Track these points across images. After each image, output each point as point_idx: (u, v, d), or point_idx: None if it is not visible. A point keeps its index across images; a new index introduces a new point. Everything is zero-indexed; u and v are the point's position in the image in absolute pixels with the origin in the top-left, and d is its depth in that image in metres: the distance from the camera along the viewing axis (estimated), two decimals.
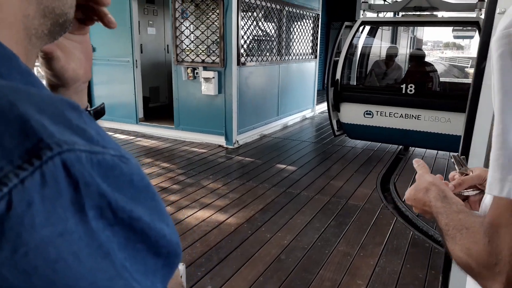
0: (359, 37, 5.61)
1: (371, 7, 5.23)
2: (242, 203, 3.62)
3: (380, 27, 6.65)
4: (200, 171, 4.47)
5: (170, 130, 5.92)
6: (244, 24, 5.45)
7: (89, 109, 0.55)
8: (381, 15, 5.41)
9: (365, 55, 6.07)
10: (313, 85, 8.03)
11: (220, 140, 5.59)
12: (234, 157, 5.10)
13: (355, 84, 5.79)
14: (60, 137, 0.23)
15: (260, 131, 6.25)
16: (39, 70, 0.51)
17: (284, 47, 6.71)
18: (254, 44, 5.91)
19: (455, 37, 14.51)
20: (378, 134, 5.10)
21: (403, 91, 4.79)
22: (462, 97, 4.24)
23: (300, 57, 7.31)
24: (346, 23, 5.30)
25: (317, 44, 7.86)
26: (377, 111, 5.00)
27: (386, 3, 9.62)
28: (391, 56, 5.67)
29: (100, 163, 0.24)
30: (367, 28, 5.60)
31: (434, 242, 2.97)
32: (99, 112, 0.56)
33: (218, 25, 5.24)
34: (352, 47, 5.26)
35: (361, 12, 5.20)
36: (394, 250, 2.84)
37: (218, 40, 5.28)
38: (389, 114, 4.95)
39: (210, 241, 2.92)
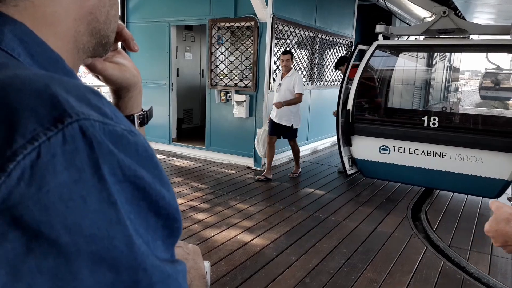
0: (382, 64, 5.32)
1: (390, 30, 4.73)
2: (268, 224, 3.64)
3: (404, 53, 6.09)
4: (228, 191, 4.53)
5: (201, 150, 6.07)
6: (278, 51, 5.60)
7: (140, 112, 0.63)
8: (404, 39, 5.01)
9: (384, 82, 5.58)
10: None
11: (249, 162, 5.66)
12: (262, 179, 5.14)
13: (370, 115, 5.17)
14: (79, 109, 0.29)
15: (289, 154, 6.26)
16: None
17: (316, 73, 6.81)
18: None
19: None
20: (396, 173, 4.49)
21: (425, 124, 4.21)
22: (496, 133, 3.99)
23: (332, 83, 7.37)
24: (360, 47, 4.82)
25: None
26: (394, 147, 4.43)
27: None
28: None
29: (111, 132, 0.30)
30: (388, 54, 5.24)
31: (465, 274, 2.85)
32: (147, 115, 0.64)
33: (252, 51, 5.42)
34: (366, 73, 4.70)
35: (379, 36, 4.66)
36: (423, 279, 2.75)
37: (251, 65, 5.44)
38: (409, 151, 4.35)
39: (235, 260, 2.94)
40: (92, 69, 0.53)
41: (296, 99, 4.83)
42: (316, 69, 6.79)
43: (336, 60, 6.24)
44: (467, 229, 3.65)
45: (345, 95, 4.64)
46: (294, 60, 5.10)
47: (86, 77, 6.48)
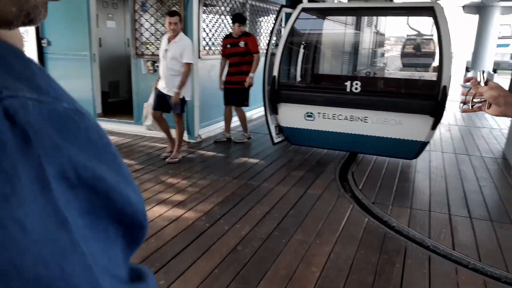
0: (308, 28, 5.24)
1: None
2: (201, 196, 3.58)
3: (330, 17, 6.09)
4: (159, 166, 4.38)
5: (130, 125, 5.77)
6: (206, 17, 5.38)
7: None
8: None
9: (311, 47, 5.55)
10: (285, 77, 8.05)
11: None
12: (196, 151, 5.04)
13: (298, 81, 5.08)
14: (5, 85, 0.20)
15: (222, 125, 6.20)
16: None
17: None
18: (217, 38, 5.84)
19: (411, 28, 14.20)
20: (321, 140, 4.50)
21: (348, 89, 4.17)
22: (413, 95, 4.12)
23: (265, 51, 7.30)
24: (285, 10, 4.65)
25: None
26: (319, 113, 4.40)
27: None
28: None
29: (51, 113, 0.22)
30: (316, 18, 5.17)
31: (387, 228, 3.05)
32: None
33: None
34: (291, 38, 4.54)
35: None
36: (349, 237, 2.89)
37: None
38: (332, 116, 4.35)
39: (166, 235, 2.86)
40: None
41: (185, 74, 4.24)
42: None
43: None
44: (389, 187, 3.90)
45: (271, 62, 4.53)
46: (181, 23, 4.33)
47: None
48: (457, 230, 3.04)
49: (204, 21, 5.35)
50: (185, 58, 4.22)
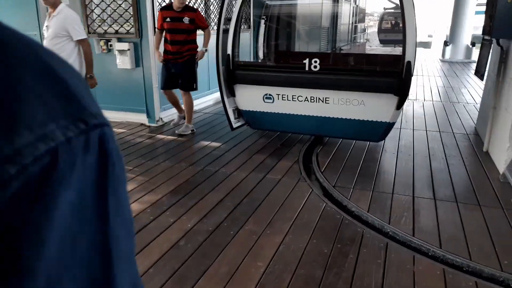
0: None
1: None
2: (151, 185, 3.31)
3: None
4: None
5: None
6: None
7: None
8: None
9: (269, 21, 5.13)
10: (249, 57, 7.69)
11: (142, 118, 5.18)
12: (155, 136, 4.74)
13: (255, 60, 4.63)
14: (96, 109, 0.23)
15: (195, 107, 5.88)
16: None
17: (212, 14, 6.29)
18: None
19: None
20: (282, 123, 4.14)
21: (307, 68, 3.78)
22: (376, 73, 3.74)
23: (242, 28, 6.91)
24: None
25: (250, 14, 7.49)
26: (278, 94, 4.00)
27: None
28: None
29: (115, 143, 0.24)
30: None
31: (346, 213, 2.84)
32: None
33: None
34: (246, 10, 4.26)
35: None
36: (303, 225, 2.68)
37: (130, 7, 4.78)
38: (292, 98, 3.95)
39: None
40: None
41: (86, 53, 3.61)
42: (211, 10, 6.27)
43: None
44: (353, 168, 3.69)
45: (224, 39, 4.02)
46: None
47: None
48: (419, 213, 2.85)
49: None
50: (74, 35, 3.49)
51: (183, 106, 4.86)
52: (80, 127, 0.20)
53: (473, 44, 11.66)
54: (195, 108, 5.28)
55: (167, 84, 4.63)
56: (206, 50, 4.55)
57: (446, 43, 12.13)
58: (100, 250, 0.21)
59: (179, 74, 4.55)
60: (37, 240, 0.18)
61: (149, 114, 5.15)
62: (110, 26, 4.99)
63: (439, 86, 7.86)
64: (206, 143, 4.47)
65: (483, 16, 4.54)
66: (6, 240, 0.17)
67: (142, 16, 4.78)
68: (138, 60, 4.98)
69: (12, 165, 0.17)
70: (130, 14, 4.78)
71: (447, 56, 12.11)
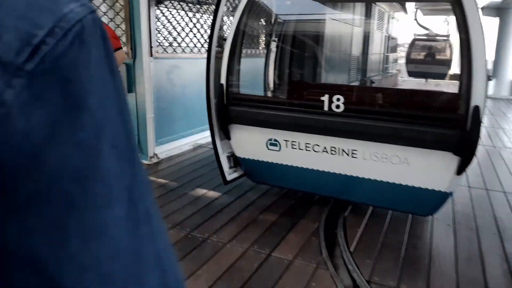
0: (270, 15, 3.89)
1: None
2: None
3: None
4: None
5: None
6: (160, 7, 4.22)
7: None
8: None
9: (274, 44, 4.14)
10: (259, 90, 6.77)
11: None
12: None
13: (256, 92, 3.57)
14: None
15: (193, 140, 5.02)
16: None
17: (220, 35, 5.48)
18: (180, 32, 4.68)
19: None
20: (290, 178, 3.07)
21: (326, 107, 2.67)
22: (427, 119, 2.53)
23: (250, 52, 6.08)
24: None
25: (269, 33, 6.66)
26: (286, 141, 2.92)
27: None
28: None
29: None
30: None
31: None
32: None
33: (122, 4, 3.97)
34: (243, 29, 3.07)
35: None
36: None
37: (123, 23, 4.01)
38: (305, 147, 2.85)
39: None
40: None
41: None
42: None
43: None
44: (394, 248, 2.63)
45: (217, 64, 2.98)
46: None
47: None
48: None
49: (157, 7, 4.19)
50: None
51: None
52: (90, 8, 0.25)
53: None
54: (201, 142, 4.39)
55: None
56: None
57: (489, 78, 10.99)
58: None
59: None
60: (87, 73, 0.24)
61: (142, 150, 4.29)
62: None
63: (487, 127, 6.75)
64: (201, 192, 3.53)
65: None
66: (67, 74, 0.23)
67: (136, 34, 4.00)
68: (130, 85, 4.18)
69: (66, 21, 0.23)
70: (122, 30, 4.01)
71: (490, 92, 10.96)
